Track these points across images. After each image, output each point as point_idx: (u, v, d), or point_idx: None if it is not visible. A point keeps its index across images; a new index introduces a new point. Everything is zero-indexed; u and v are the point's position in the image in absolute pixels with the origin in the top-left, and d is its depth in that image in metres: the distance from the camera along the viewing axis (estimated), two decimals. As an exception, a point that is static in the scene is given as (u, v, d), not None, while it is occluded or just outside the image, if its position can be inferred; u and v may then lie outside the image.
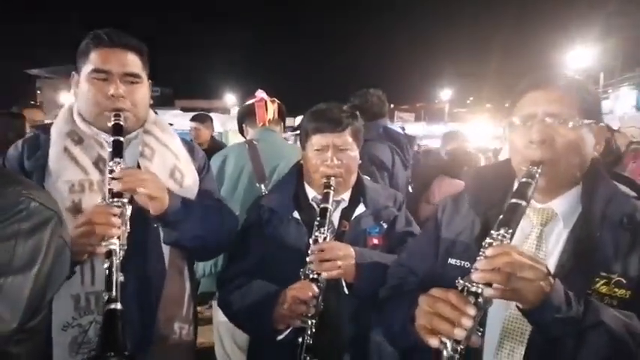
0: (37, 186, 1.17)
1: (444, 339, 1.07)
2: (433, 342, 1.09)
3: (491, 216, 1.37)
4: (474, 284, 1.08)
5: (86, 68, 1.63)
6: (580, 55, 23.60)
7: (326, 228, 1.71)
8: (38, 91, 27.58)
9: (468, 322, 1.05)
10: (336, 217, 1.88)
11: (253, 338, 2.02)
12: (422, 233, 1.65)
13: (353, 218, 1.87)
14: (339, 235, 1.83)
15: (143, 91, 1.71)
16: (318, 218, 1.73)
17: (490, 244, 1.12)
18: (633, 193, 1.33)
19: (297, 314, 1.60)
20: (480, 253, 1.12)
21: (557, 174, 1.28)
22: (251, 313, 1.72)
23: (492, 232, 1.16)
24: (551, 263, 1.27)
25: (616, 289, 1.19)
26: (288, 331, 1.65)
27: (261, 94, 3.03)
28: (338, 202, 1.90)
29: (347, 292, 1.73)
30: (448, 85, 43.39)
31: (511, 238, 1.15)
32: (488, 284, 1.07)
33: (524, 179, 1.24)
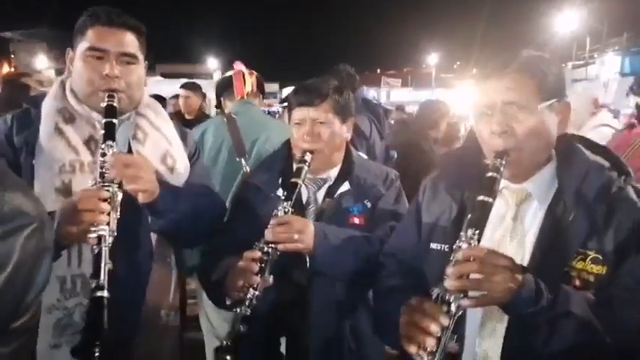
0: (19, 186, 1.12)
1: (420, 352, 1.11)
2: (412, 349, 1.14)
3: (467, 198, 1.39)
4: (448, 293, 1.13)
5: (82, 46, 1.59)
6: (567, 19, 23.49)
7: (290, 203, 1.68)
8: (12, 55, 26.69)
9: (437, 330, 1.11)
10: (320, 196, 1.87)
11: None
12: (405, 218, 1.66)
13: (334, 197, 1.86)
14: (319, 214, 1.82)
15: (139, 72, 1.68)
16: (285, 192, 1.72)
17: (460, 248, 1.16)
18: (607, 164, 1.33)
19: (240, 285, 1.56)
20: (451, 258, 1.16)
21: (522, 161, 1.30)
22: (214, 286, 1.73)
23: (462, 233, 1.19)
24: (529, 242, 1.30)
25: (592, 266, 1.22)
26: (231, 302, 1.61)
27: (239, 66, 2.97)
28: (325, 180, 1.88)
29: (308, 265, 1.72)
30: (435, 50, 43.02)
31: (479, 239, 1.18)
32: (461, 291, 1.12)
33: (490, 174, 1.26)
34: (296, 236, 1.63)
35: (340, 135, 1.88)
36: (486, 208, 1.21)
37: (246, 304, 1.54)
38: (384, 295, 1.53)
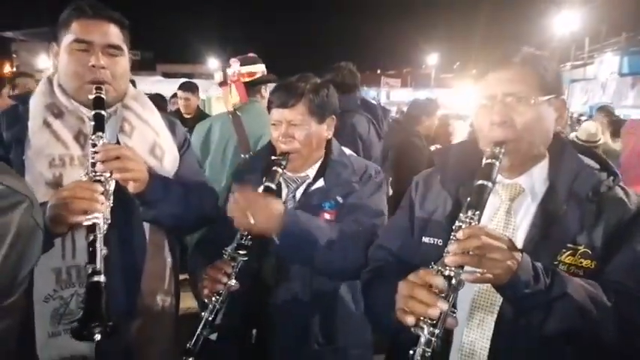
0: (7, 170, 1.16)
1: (421, 323, 1.09)
2: (410, 320, 1.11)
3: (462, 194, 1.41)
4: (447, 268, 1.12)
5: (67, 39, 1.61)
6: (566, 20, 23.47)
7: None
8: (14, 55, 26.66)
9: (437, 301, 1.09)
10: (298, 194, 1.88)
11: None
12: (397, 213, 1.67)
13: (307, 193, 1.87)
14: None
15: (124, 63, 1.70)
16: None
17: (460, 227, 1.16)
18: (597, 165, 1.38)
19: (206, 293, 1.60)
20: (451, 236, 1.17)
21: (519, 152, 1.33)
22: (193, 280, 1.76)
23: (461, 214, 1.20)
24: (520, 236, 1.33)
25: (582, 260, 1.25)
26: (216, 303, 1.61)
27: (234, 63, 2.93)
28: (304, 179, 1.89)
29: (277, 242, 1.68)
30: (435, 50, 43.03)
31: (479, 219, 1.19)
32: (460, 267, 1.11)
33: (488, 160, 1.28)
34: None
35: (318, 134, 1.86)
36: (485, 191, 1.22)
37: (210, 309, 1.56)
38: (376, 283, 1.53)
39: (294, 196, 1.87)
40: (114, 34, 1.65)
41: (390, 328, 1.33)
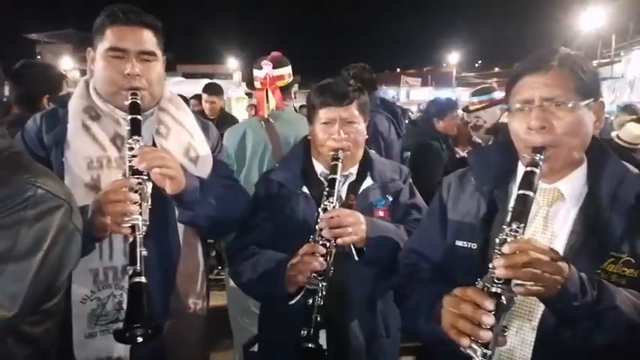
0: (48, 173, 1.18)
1: (474, 345, 1.08)
2: (464, 342, 1.10)
3: (497, 196, 1.39)
4: (494, 285, 1.10)
5: (102, 46, 1.64)
6: (592, 16, 22.96)
7: (335, 198, 1.74)
8: (38, 56, 27.38)
9: (490, 321, 1.07)
10: (343, 191, 1.90)
11: (264, 305, 2.06)
12: (428, 215, 1.66)
13: (360, 192, 1.90)
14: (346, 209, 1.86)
15: (158, 68, 1.72)
16: (327, 189, 1.76)
17: (505, 241, 1.14)
18: (636, 170, 1.34)
19: (307, 274, 1.62)
20: (496, 249, 1.14)
21: (559, 158, 1.29)
22: (262, 281, 1.76)
23: (504, 226, 1.17)
24: (560, 244, 1.29)
25: (625, 269, 1.21)
26: (300, 295, 1.68)
27: (266, 65, 2.81)
28: (346, 177, 1.92)
29: (357, 259, 1.77)
30: (456, 49, 42.62)
31: (524, 231, 1.16)
32: (507, 282, 1.10)
33: (528, 168, 1.25)
34: (350, 229, 1.67)
35: (363, 133, 1.93)
36: (527, 201, 1.20)
37: (319, 295, 1.61)
38: (412, 288, 1.51)
39: (339, 195, 1.86)
40: (148, 40, 1.66)
41: (430, 338, 1.32)
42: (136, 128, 1.56)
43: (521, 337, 1.29)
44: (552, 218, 1.33)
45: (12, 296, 1.01)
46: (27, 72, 2.66)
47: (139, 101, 1.61)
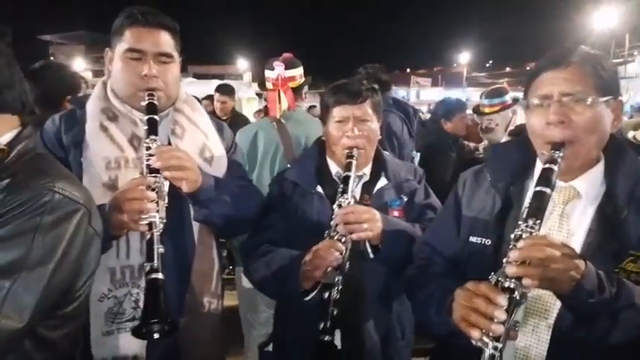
0: (68, 176, 1.18)
1: (485, 338, 1.08)
2: (475, 334, 1.10)
3: (512, 193, 1.39)
4: (508, 279, 1.10)
5: (120, 47, 1.66)
6: (605, 15, 22.71)
7: (349, 194, 1.74)
8: (51, 57, 27.70)
9: (502, 316, 1.07)
10: (357, 192, 1.90)
11: (279, 303, 2.07)
12: (443, 210, 1.66)
13: (375, 191, 1.90)
14: None
15: (175, 70, 1.75)
16: (341, 186, 1.77)
17: (520, 237, 1.14)
18: None
19: (323, 269, 1.62)
20: (511, 245, 1.15)
21: (578, 156, 1.29)
22: (277, 277, 1.77)
23: (520, 222, 1.17)
24: (577, 242, 1.28)
25: None
26: (316, 291, 1.69)
27: (278, 66, 2.84)
28: (360, 177, 1.92)
29: (372, 256, 1.77)
30: (467, 49, 42.38)
31: (539, 228, 1.16)
32: (520, 278, 1.09)
33: (547, 165, 1.24)
34: (365, 225, 1.68)
35: (377, 132, 1.93)
36: (544, 198, 1.20)
37: (336, 289, 1.61)
38: (423, 282, 1.51)
39: (353, 195, 1.87)
40: (165, 42, 1.68)
41: (441, 330, 1.33)
42: (153, 128, 1.59)
43: (537, 335, 1.29)
44: (568, 216, 1.32)
45: (22, 307, 1.00)
46: (46, 73, 2.69)
47: (155, 102, 1.63)
